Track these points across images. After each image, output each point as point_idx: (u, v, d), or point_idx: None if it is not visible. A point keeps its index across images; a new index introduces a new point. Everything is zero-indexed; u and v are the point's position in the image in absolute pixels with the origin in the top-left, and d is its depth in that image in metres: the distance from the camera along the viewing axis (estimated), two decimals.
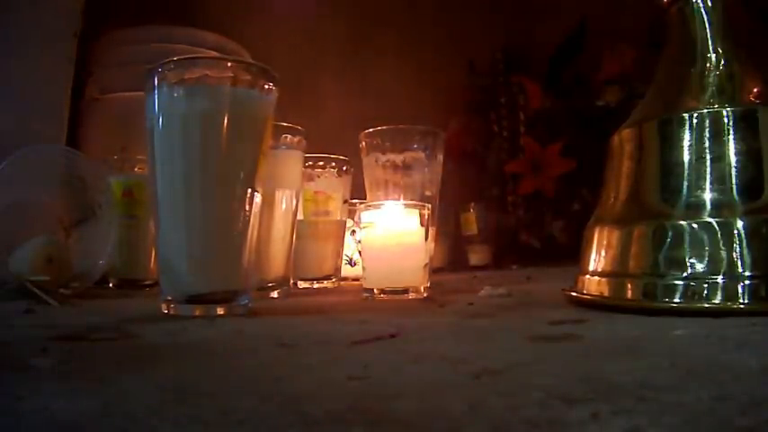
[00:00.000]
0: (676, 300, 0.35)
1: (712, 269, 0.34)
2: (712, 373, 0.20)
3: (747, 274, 0.33)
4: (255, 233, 0.42)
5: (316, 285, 0.70)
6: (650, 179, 0.39)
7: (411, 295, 0.53)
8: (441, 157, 0.64)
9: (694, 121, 0.37)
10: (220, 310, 0.40)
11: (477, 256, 1.28)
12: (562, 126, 1.28)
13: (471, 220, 1.29)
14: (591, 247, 0.42)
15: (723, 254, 0.34)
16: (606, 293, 0.39)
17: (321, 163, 0.70)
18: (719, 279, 0.33)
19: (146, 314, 0.42)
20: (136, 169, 0.71)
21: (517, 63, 1.35)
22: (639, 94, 1.02)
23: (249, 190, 0.41)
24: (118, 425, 0.16)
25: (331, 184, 0.71)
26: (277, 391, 0.19)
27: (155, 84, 0.40)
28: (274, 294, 0.57)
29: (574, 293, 0.43)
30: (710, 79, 0.39)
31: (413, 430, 0.15)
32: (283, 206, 0.59)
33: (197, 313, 0.39)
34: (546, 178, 1.26)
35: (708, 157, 0.36)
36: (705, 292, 0.34)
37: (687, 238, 0.35)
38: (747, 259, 0.33)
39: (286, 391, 0.19)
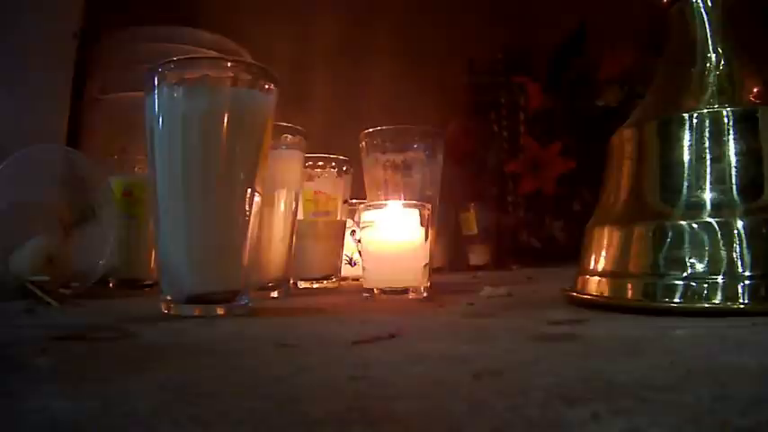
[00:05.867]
0: (676, 300, 0.35)
1: (712, 269, 0.34)
2: (712, 373, 0.20)
3: (747, 274, 0.33)
4: (255, 233, 0.42)
5: (316, 285, 0.70)
6: (650, 179, 0.39)
7: (411, 295, 0.53)
8: (441, 157, 0.64)
9: (694, 121, 0.37)
10: (220, 310, 0.40)
11: (477, 256, 1.28)
12: (562, 126, 1.28)
13: (471, 220, 1.29)
14: (591, 247, 0.42)
15: (723, 254, 0.34)
16: (606, 293, 0.39)
17: (321, 163, 0.70)
18: (719, 279, 0.33)
19: (146, 314, 0.42)
20: (136, 169, 0.71)
21: (517, 63, 1.35)
22: (639, 94, 1.02)
23: (249, 190, 0.41)
24: (118, 425, 0.16)
25: (331, 184, 0.71)
26: (277, 391, 0.19)
27: (155, 84, 0.40)
28: (274, 294, 0.57)
29: (574, 293, 0.43)
30: (710, 79, 0.39)
31: (413, 430, 0.15)
32: (283, 206, 0.59)
33: (197, 313, 0.39)
34: (546, 178, 1.26)
35: (708, 157, 0.36)
36: (705, 292, 0.34)
37: (687, 238, 0.35)
38: (747, 259, 0.33)
39: (286, 391, 0.19)
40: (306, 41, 1.19)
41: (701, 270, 0.34)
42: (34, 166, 0.59)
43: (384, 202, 0.59)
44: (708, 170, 0.36)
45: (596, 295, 0.40)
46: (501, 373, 0.21)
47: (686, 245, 0.35)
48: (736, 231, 0.34)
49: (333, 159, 0.71)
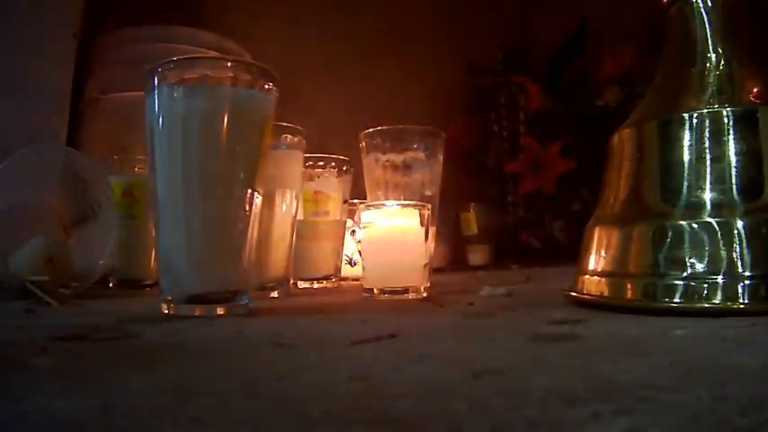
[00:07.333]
0: (676, 300, 0.35)
1: (712, 269, 0.34)
2: (712, 373, 0.20)
3: (747, 274, 0.33)
4: (255, 233, 0.42)
5: (316, 285, 0.70)
6: (650, 179, 0.39)
7: (411, 295, 0.53)
8: (441, 157, 0.64)
9: (694, 121, 0.37)
10: (220, 310, 0.40)
11: (477, 256, 1.28)
12: (562, 126, 1.28)
13: (471, 220, 1.29)
14: (591, 247, 0.42)
15: (723, 254, 0.34)
16: (606, 293, 0.39)
17: (321, 163, 0.70)
18: (719, 279, 0.33)
19: (146, 314, 0.42)
20: (136, 169, 0.71)
21: (517, 63, 1.35)
22: (639, 94, 1.02)
23: (249, 190, 0.41)
24: (118, 425, 0.16)
25: (331, 184, 0.71)
26: (277, 391, 0.19)
27: (155, 84, 0.40)
28: (274, 294, 0.57)
29: (574, 293, 0.43)
30: (710, 79, 0.39)
31: (413, 430, 0.15)
32: (283, 206, 0.59)
33: (197, 313, 0.39)
34: (546, 178, 1.26)
35: (708, 157, 0.36)
36: (705, 292, 0.34)
37: (687, 238, 0.35)
38: (747, 259, 0.33)
39: (286, 391, 0.19)
40: (306, 41, 1.19)
41: (701, 270, 0.34)
42: (34, 166, 0.59)
43: (384, 201, 0.59)
44: (708, 170, 0.36)
45: (596, 295, 0.40)
46: (501, 373, 0.21)
47: (686, 245, 0.35)
48: (736, 231, 0.34)
49: (333, 159, 0.71)
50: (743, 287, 0.33)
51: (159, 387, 0.20)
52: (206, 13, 1.00)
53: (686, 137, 0.37)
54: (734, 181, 0.35)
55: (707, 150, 0.36)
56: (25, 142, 0.58)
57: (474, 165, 1.33)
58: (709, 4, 0.40)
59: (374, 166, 0.63)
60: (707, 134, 0.37)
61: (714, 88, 0.39)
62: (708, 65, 0.40)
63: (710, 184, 0.36)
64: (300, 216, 0.65)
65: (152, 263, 0.68)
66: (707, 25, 0.40)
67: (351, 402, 0.18)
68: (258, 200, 0.42)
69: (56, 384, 0.20)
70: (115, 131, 0.80)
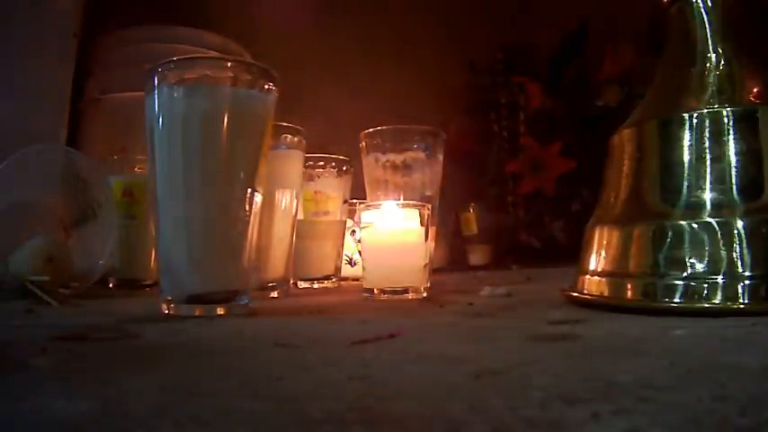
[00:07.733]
0: (676, 300, 0.35)
1: (712, 269, 0.34)
2: (712, 373, 0.20)
3: (747, 274, 0.33)
4: (255, 233, 0.42)
5: (316, 285, 0.70)
6: (650, 179, 0.39)
7: (411, 295, 0.53)
8: (441, 157, 0.64)
9: (694, 121, 0.37)
10: (220, 310, 0.40)
11: (477, 256, 1.28)
12: (562, 126, 1.28)
13: (471, 220, 1.29)
14: (591, 247, 0.42)
15: (723, 254, 0.34)
16: (606, 293, 0.39)
17: (321, 163, 0.70)
18: (719, 279, 0.33)
19: (146, 314, 0.42)
20: (136, 169, 0.71)
21: (517, 63, 1.35)
22: (639, 94, 1.02)
23: (249, 190, 0.41)
24: (118, 425, 0.16)
25: (331, 184, 0.71)
26: (277, 391, 0.19)
27: (155, 84, 0.40)
28: (274, 294, 0.57)
29: (574, 293, 0.43)
30: (710, 79, 0.39)
31: (413, 430, 0.15)
32: (283, 206, 0.59)
33: (197, 313, 0.39)
34: (546, 178, 1.26)
35: (708, 157, 0.36)
36: (705, 292, 0.34)
37: (687, 238, 0.35)
38: (747, 259, 0.33)
39: (286, 391, 0.19)
40: (306, 41, 1.19)
41: (701, 270, 0.34)
42: (34, 166, 0.59)
43: (384, 201, 0.59)
44: (708, 170, 0.36)
45: (596, 295, 0.40)
46: (501, 373, 0.21)
47: (686, 245, 0.35)
48: (736, 231, 0.34)
49: (333, 159, 0.71)
50: (743, 287, 0.33)
51: (159, 387, 0.20)
52: (207, 13, 1.00)
53: (686, 137, 0.37)
54: (734, 181, 0.35)
55: (707, 150, 0.36)
56: (25, 142, 0.58)
57: (474, 165, 1.33)
58: (709, 4, 0.40)
59: (374, 166, 0.63)
60: (707, 134, 0.37)
61: (714, 88, 0.39)
62: (708, 65, 0.40)
63: (710, 184, 0.36)
64: (300, 216, 0.65)
65: (152, 263, 0.68)
66: (707, 25, 0.40)
67: (351, 402, 0.18)
68: (258, 200, 0.42)
69: (56, 384, 0.20)
70: (115, 131, 0.80)
